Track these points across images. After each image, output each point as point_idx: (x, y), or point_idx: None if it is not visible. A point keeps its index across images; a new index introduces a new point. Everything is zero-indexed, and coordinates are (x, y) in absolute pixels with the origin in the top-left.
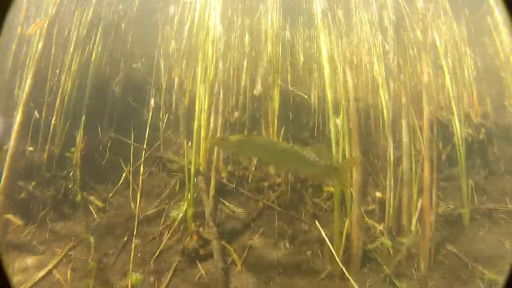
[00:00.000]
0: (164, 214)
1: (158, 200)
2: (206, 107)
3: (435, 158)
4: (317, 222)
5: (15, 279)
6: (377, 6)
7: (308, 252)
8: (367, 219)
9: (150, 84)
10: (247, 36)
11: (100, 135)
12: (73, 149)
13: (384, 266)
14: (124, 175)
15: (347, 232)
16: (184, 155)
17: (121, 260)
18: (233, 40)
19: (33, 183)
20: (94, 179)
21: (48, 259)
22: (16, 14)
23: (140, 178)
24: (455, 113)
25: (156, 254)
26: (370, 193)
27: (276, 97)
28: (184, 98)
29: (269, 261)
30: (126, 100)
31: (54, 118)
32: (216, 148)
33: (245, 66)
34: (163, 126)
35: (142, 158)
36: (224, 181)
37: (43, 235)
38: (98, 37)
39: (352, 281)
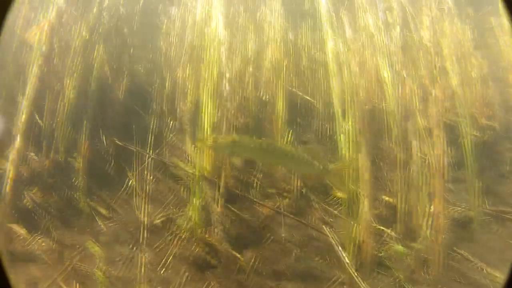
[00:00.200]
0: (170, 222)
1: (164, 207)
2: (210, 111)
3: (445, 161)
4: (326, 228)
5: None
6: (382, 7)
7: (318, 259)
8: (376, 224)
9: (153, 88)
10: (250, 38)
11: (103, 140)
12: (75, 155)
13: (395, 271)
14: (128, 181)
15: (357, 237)
16: (189, 160)
17: (128, 270)
18: (236, 42)
19: (34, 190)
20: (98, 186)
21: (53, 269)
22: (17, 19)
23: (146, 184)
24: (462, 115)
25: (164, 262)
26: (378, 197)
27: (282, 101)
28: (187, 102)
29: (279, 268)
30: (129, 105)
31: (56, 123)
32: (223, 154)
33: (250, 69)
34: (167, 131)
35: (147, 164)
36: (231, 187)
37: (47, 244)
38: (100, 40)
39: (363, 287)
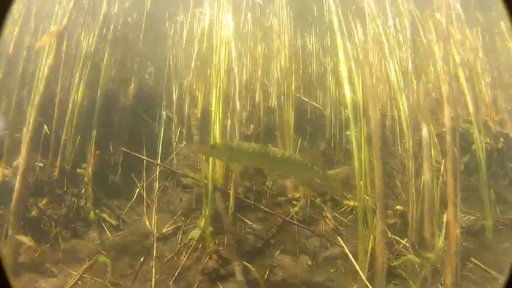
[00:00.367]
0: (180, 232)
1: (174, 217)
2: (220, 119)
3: (458, 169)
4: (339, 238)
5: None
6: (391, 13)
7: (332, 270)
8: (389, 234)
9: (161, 96)
10: (259, 46)
11: (111, 149)
12: (84, 165)
13: (410, 282)
14: (137, 191)
15: (371, 248)
16: (199, 169)
17: (139, 282)
18: (245, 50)
19: (44, 201)
20: (107, 196)
21: (62, 281)
22: (25, 28)
23: (155, 194)
24: (474, 122)
25: (175, 274)
26: (390, 206)
27: (291, 108)
28: (196, 110)
29: (292, 279)
30: (137, 113)
31: (64, 132)
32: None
33: (258, 76)
34: (176, 139)
35: (157, 174)
36: (242, 196)
37: (56, 255)
38: (107, 48)
39: None
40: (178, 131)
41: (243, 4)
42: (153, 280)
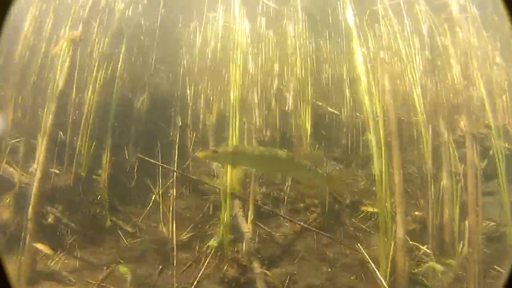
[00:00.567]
0: (199, 240)
1: (191, 225)
2: (236, 125)
3: (478, 174)
4: (359, 245)
5: None
6: (407, 17)
7: (352, 277)
8: (409, 240)
9: (176, 101)
10: (274, 51)
11: (126, 155)
12: (100, 172)
13: None
14: (153, 197)
15: (391, 254)
16: (216, 175)
17: None
18: (260, 55)
19: (59, 208)
20: (122, 203)
21: None
22: (40, 34)
23: (171, 201)
24: (493, 127)
25: (194, 283)
26: (410, 212)
27: (307, 114)
28: (211, 116)
29: (312, 287)
30: (152, 118)
31: (79, 138)
32: (251, 170)
33: (274, 81)
34: (192, 145)
35: (174, 181)
36: (259, 203)
37: (73, 263)
38: (121, 54)
39: None
40: (194, 136)
41: (257, 8)
42: None
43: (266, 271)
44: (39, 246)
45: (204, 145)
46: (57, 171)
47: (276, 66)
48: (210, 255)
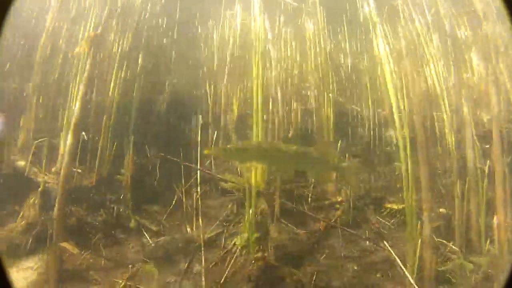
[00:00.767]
0: (224, 238)
1: (216, 223)
2: (257, 122)
3: (504, 170)
4: (385, 242)
5: None
6: (428, 13)
7: (378, 274)
8: (436, 237)
9: (196, 99)
10: (293, 48)
11: (148, 154)
12: (122, 171)
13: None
14: (176, 196)
15: (418, 252)
16: (240, 174)
17: None
18: (279, 52)
19: (83, 207)
20: (146, 201)
21: None
22: (60, 35)
23: (195, 199)
24: None
25: (221, 282)
26: (436, 209)
27: (330, 111)
28: (232, 113)
29: (339, 285)
30: (173, 117)
31: (101, 138)
32: (274, 167)
33: (294, 79)
34: (213, 143)
35: (198, 178)
36: (283, 200)
37: (98, 263)
38: (141, 54)
39: None
40: (215, 134)
41: (276, 5)
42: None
43: (293, 269)
44: (65, 245)
45: (227, 142)
46: (79, 171)
47: (296, 63)
48: (236, 253)
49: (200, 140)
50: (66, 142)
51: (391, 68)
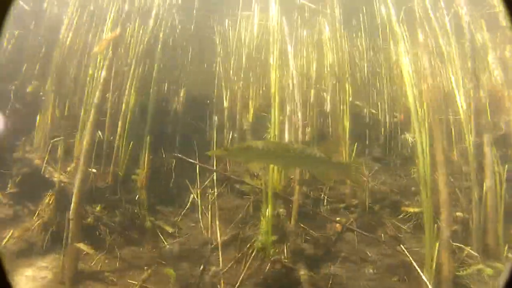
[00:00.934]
0: (239, 240)
1: (232, 225)
2: (274, 123)
3: None
4: (402, 246)
5: None
6: (446, 16)
7: (394, 278)
8: (454, 242)
9: (212, 101)
10: (310, 50)
11: (163, 155)
12: (138, 171)
13: None
14: (191, 197)
15: (435, 256)
16: (256, 176)
17: None
18: (296, 54)
19: (98, 208)
20: (161, 202)
21: None
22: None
23: (210, 200)
24: None
25: (237, 284)
26: (454, 213)
27: (346, 113)
28: (248, 115)
29: None
30: (188, 118)
31: (117, 138)
32: (293, 170)
33: (311, 81)
34: (229, 144)
35: (214, 179)
36: (301, 203)
37: (113, 263)
38: (157, 53)
39: None
40: (231, 135)
41: (292, 7)
42: None
43: (310, 272)
44: (81, 245)
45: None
46: (94, 170)
47: (313, 65)
48: (252, 255)
49: (215, 140)
50: (82, 142)
51: (410, 73)
